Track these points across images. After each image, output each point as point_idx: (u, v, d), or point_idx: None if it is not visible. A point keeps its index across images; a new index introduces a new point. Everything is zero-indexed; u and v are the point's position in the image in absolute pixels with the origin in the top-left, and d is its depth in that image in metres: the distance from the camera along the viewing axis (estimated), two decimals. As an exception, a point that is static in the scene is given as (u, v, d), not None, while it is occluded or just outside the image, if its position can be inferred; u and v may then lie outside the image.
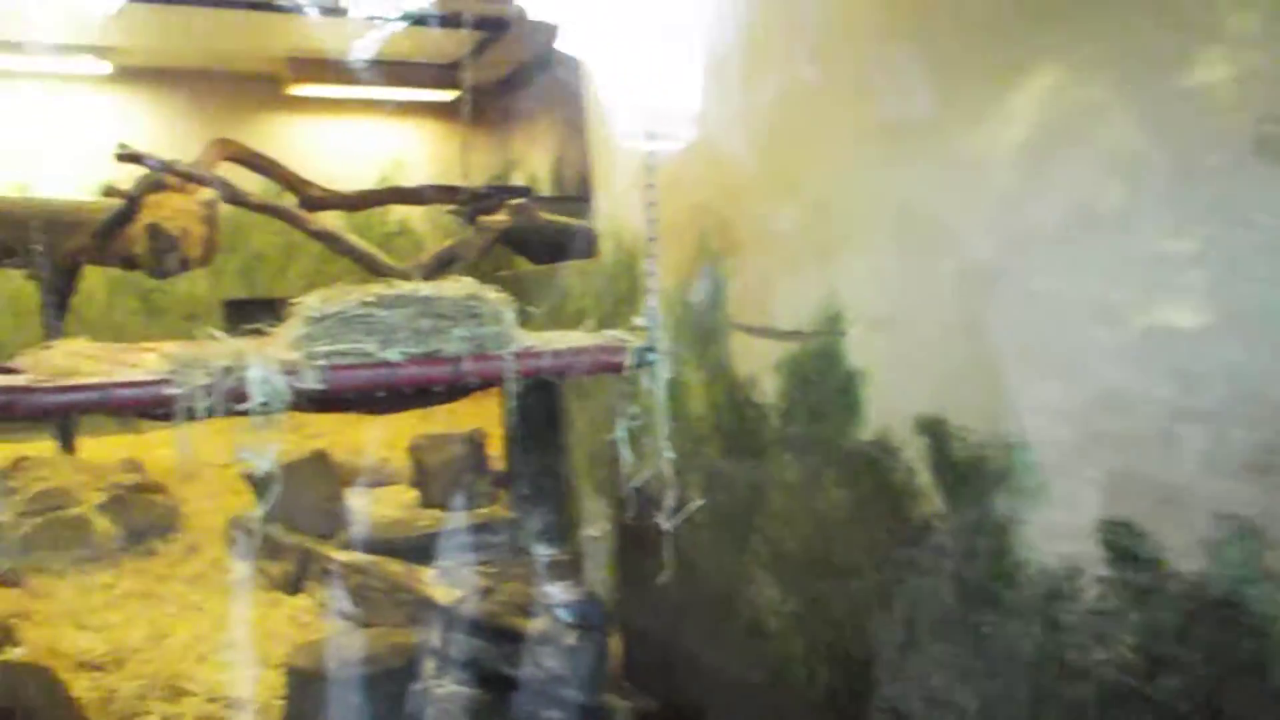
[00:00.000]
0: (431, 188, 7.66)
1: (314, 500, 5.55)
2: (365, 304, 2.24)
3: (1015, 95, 2.35)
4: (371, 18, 6.96)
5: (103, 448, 7.49)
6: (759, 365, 3.29)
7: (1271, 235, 1.89)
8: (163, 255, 5.31)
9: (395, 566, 4.65)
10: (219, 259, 6.26)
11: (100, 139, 6.60)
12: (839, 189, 2.92)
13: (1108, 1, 2.15)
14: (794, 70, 3.06)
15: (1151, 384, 2.12)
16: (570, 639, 3.72)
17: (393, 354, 2.24)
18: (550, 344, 2.46)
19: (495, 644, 3.92)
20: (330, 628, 4.66)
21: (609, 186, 4.19)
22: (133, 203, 5.35)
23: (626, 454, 2.60)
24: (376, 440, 7.78)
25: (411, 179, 10.40)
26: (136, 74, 9.67)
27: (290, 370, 2.12)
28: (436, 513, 6.03)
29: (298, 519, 5.39)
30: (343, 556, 4.97)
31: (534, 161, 10.78)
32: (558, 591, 3.92)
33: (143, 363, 2.32)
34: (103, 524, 5.73)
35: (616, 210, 4.13)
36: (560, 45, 4.12)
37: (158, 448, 7.58)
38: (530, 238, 5.85)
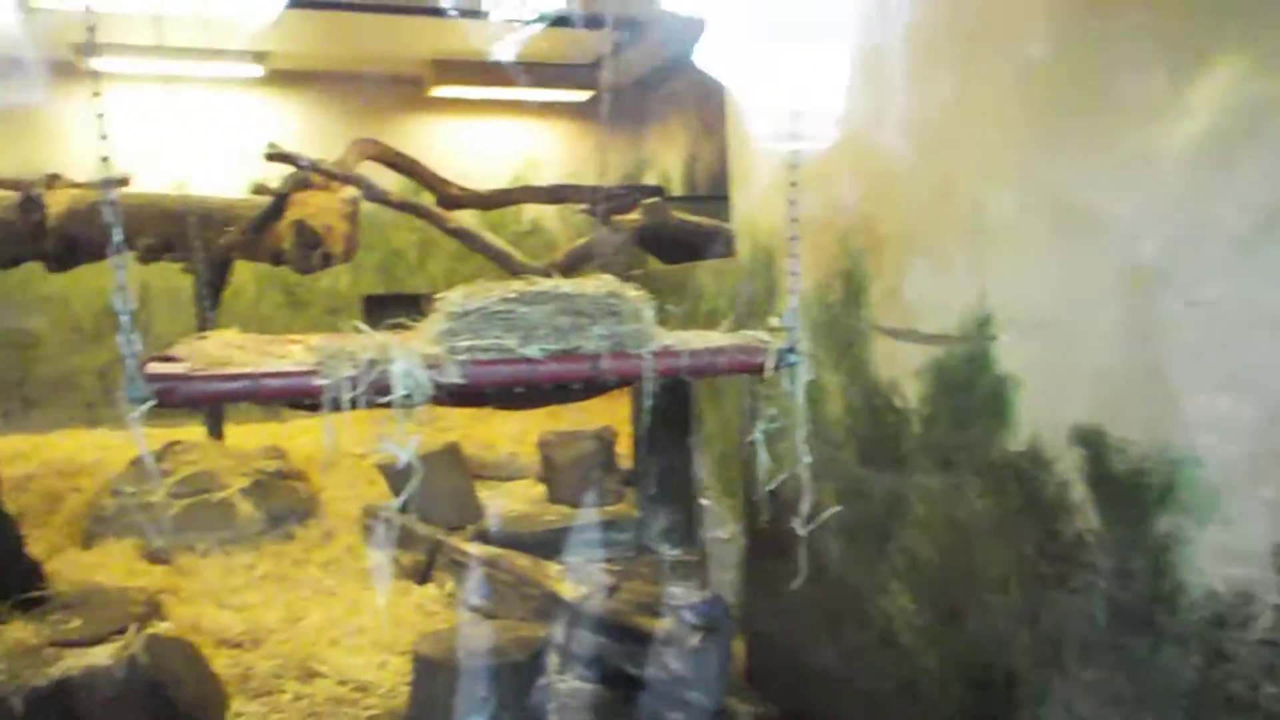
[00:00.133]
0: (565, 187, 7.75)
1: (445, 492, 5.66)
2: (507, 300, 2.25)
3: (1192, 88, 2.20)
4: (511, 20, 7.07)
5: (248, 434, 7.87)
6: (900, 370, 3.18)
7: None
8: (307, 251, 5.48)
9: (523, 560, 4.69)
10: (360, 255, 6.44)
11: (251, 139, 6.86)
12: (993, 187, 2.79)
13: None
14: (949, 67, 2.95)
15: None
16: (695, 640, 3.68)
17: (533, 350, 2.24)
18: (688, 343, 2.43)
19: (619, 642, 3.92)
20: (457, 618, 4.73)
21: (746, 187, 4.14)
22: (280, 200, 5.54)
23: (764, 456, 2.55)
24: (506, 435, 7.92)
25: (545, 178, 10.54)
26: (286, 77, 10.10)
27: (433, 364, 2.14)
28: (563, 509, 6.10)
29: (429, 510, 5.50)
30: (472, 548, 5.05)
31: (666, 161, 10.79)
32: (683, 592, 3.90)
33: (290, 354, 2.39)
34: (245, 508, 5.98)
35: (753, 210, 4.08)
36: (701, 48, 4.09)
37: (299, 436, 7.91)
38: (663, 237, 5.84)
